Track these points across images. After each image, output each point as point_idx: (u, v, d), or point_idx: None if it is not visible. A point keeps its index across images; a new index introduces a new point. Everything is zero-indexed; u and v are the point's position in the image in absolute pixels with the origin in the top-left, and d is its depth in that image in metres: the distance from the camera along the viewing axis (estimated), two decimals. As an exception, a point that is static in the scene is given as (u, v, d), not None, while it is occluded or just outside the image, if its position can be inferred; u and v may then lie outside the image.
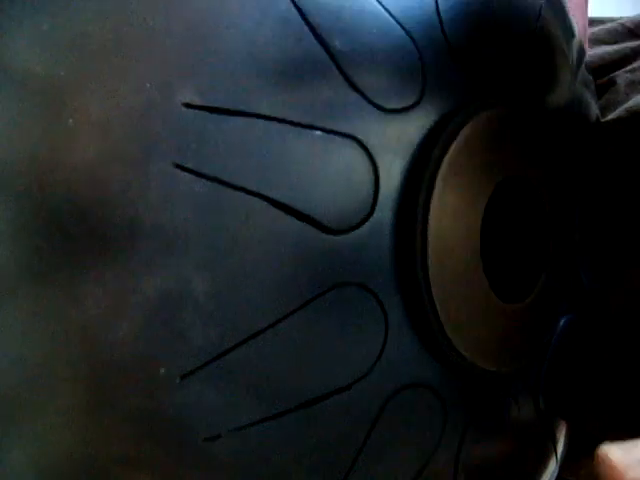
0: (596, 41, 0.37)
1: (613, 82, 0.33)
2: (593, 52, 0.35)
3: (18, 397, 0.16)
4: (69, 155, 0.16)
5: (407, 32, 0.20)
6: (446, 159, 0.20)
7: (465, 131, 0.20)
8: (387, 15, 0.20)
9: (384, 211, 0.19)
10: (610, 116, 0.30)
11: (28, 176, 0.16)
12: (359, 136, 0.18)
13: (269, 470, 0.18)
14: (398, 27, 0.20)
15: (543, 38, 0.25)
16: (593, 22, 0.39)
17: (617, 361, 0.27)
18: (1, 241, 0.16)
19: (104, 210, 0.16)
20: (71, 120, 0.16)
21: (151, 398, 0.17)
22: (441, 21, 0.21)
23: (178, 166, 0.16)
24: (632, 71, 0.34)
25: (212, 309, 0.17)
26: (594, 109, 0.30)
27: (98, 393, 0.16)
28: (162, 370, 0.16)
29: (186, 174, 0.16)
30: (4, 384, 0.16)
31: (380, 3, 0.20)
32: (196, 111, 0.17)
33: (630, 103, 0.30)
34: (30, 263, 0.16)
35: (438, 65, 0.21)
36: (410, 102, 0.20)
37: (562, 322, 0.25)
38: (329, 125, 0.18)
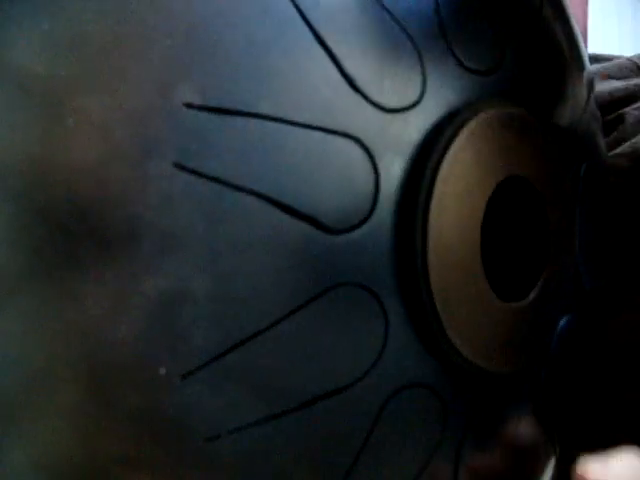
0: (606, 76, 0.37)
1: (622, 120, 0.34)
2: (602, 88, 0.36)
3: (18, 397, 0.16)
4: (69, 155, 0.16)
5: (406, 32, 0.20)
6: (446, 159, 0.20)
7: (465, 131, 0.20)
8: (387, 15, 0.20)
9: (384, 211, 0.19)
10: (615, 151, 0.31)
11: (28, 176, 0.16)
12: (359, 136, 0.18)
13: (269, 470, 0.18)
14: (397, 27, 0.20)
15: (547, 41, 0.25)
16: (600, 59, 0.39)
17: (617, 363, 0.27)
18: (1, 241, 0.16)
19: (104, 210, 0.16)
20: (71, 120, 0.16)
21: (151, 398, 0.17)
22: (441, 20, 0.21)
23: (178, 166, 0.16)
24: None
25: (212, 309, 0.17)
26: (601, 141, 0.30)
27: (98, 393, 0.16)
28: (162, 370, 0.16)
29: (186, 174, 0.16)
30: (4, 384, 0.16)
31: (379, 3, 0.20)
32: (196, 111, 0.17)
33: (635, 139, 0.31)
34: (30, 263, 0.16)
35: (438, 65, 0.21)
36: (410, 102, 0.20)
37: (562, 322, 0.25)
38: (329, 125, 0.18)
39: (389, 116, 0.19)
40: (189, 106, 0.17)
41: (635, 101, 0.35)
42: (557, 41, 0.26)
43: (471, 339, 0.21)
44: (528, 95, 0.24)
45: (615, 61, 0.39)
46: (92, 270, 0.16)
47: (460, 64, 0.21)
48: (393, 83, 0.19)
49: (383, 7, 0.20)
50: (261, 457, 0.18)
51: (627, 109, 0.34)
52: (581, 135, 0.27)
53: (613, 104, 0.35)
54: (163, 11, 0.17)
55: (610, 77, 0.37)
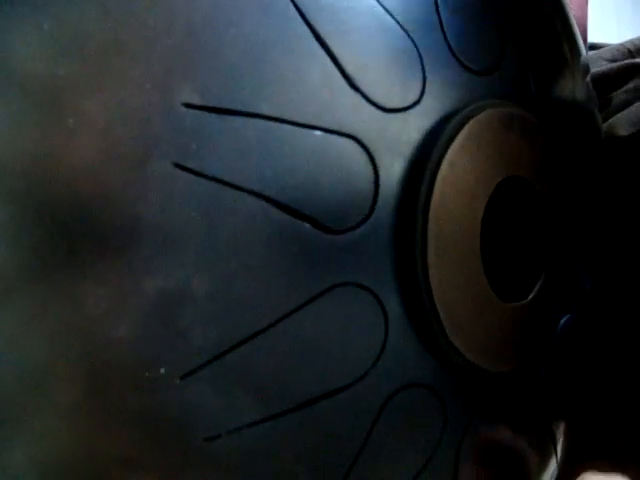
0: (599, 59, 0.37)
1: (609, 103, 0.34)
2: (594, 70, 0.36)
3: (18, 397, 0.16)
4: (69, 155, 0.16)
5: (406, 32, 0.20)
6: (446, 159, 0.20)
7: (465, 131, 0.20)
8: (387, 15, 0.20)
9: (384, 211, 0.19)
10: None
11: (28, 176, 0.16)
12: (359, 136, 0.18)
13: (269, 470, 0.18)
14: (397, 27, 0.20)
15: (547, 41, 0.25)
16: (596, 47, 0.40)
17: (617, 361, 0.27)
18: (1, 241, 0.16)
19: (104, 210, 0.16)
20: (71, 120, 0.16)
21: (151, 398, 0.17)
22: (440, 20, 0.21)
23: (178, 166, 0.16)
24: (627, 92, 0.34)
25: (212, 309, 0.17)
26: (599, 120, 0.30)
27: (98, 393, 0.16)
28: (162, 370, 0.16)
29: (186, 174, 0.16)
30: (4, 384, 0.16)
31: (379, 3, 0.20)
32: (196, 111, 0.17)
33: (611, 120, 0.31)
34: (30, 263, 0.16)
35: (438, 64, 0.21)
36: (410, 101, 0.20)
37: (562, 322, 0.25)
38: (329, 125, 0.18)
39: (389, 116, 0.19)
40: (189, 106, 0.17)
41: (624, 83, 0.35)
42: (557, 41, 0.26)
43: (471, 339, 0.21)
44: (528, 95, 0.24)
45: (607, 47, 0.39)
46: (92, 270, 0.16)
47: (460, 64, 0.21)
48: (393, 83, 0.19)
49: (383, 7, 0.20)
50: (261, 457, 0.18)
51: (616, 92, 0.34)
52: (582, 130, 0.27)
53: (603, 85, 0.35)
54: (163, 11, 0.17)
55: (603, 60, 0.37)
